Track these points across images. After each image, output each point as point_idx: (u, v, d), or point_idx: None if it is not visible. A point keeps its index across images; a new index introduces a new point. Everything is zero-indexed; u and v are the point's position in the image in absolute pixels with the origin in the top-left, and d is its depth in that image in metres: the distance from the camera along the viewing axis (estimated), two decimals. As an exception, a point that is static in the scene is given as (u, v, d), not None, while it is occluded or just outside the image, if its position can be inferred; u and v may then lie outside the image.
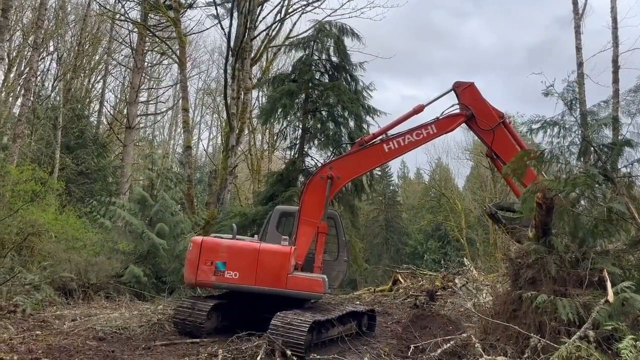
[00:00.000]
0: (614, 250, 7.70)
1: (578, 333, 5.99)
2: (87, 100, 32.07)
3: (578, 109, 8.73)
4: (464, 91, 10.91)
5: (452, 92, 11.02)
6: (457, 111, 10.88)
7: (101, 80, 33.31)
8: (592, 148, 8.22)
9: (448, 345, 8.12)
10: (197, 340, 9.15)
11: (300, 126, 17.88)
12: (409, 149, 10.67)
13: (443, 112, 10.87)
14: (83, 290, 12.81)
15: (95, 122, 31.94)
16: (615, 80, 16.73)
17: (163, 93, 38.24)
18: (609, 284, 6.46)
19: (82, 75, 30.95)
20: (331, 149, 17.65)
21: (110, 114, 33.39)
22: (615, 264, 7.05)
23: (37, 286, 11.65)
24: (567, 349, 5.54)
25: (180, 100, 26.20)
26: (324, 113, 17.84)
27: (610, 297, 6.16)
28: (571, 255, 7.39)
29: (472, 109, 10.75)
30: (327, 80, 17.92)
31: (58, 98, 25.76)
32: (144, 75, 28.72)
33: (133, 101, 25.04)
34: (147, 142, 40.06)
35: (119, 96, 36.34)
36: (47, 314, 10.60)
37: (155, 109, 37.80)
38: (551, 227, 7.66)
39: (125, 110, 29.30)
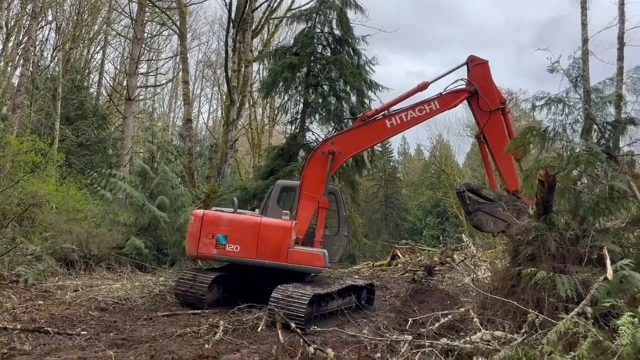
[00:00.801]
0: (614, 228, 7.72)
1: (576, 309, 6.04)
2: (87, 71, 31.78)
3: (582, 87, 8.66)
4: (476, 67, 10.80)
5: (462, 67, 10.91)
6: (462, 87, 10.79)
7: (100, 51, 32.99)
8: (595, 126, 8.19)
9: (446, 319, 8.19)
10: (199, 311, 9.28)
11: (302, 100, 17.74)
12: (411, 124, 10.61)
13: (446, 88, 10.78)
14: (84, 261, 12.92)
15: (94, 93, 31.71)
16: (620, 58, 16.53)
17: (163, 65, 37.90)
18: (608, 262, 6.49)
19: (81, 45, 30.60)
20: (332, 124, 17.54)
21: (110, 85, 33.12)
22: (615, 242, 7.08)
23: (39, 257, 11.74)
24: (564, 325, 5.59)
25: (180, 72, 26.01)
26: (325, 87, 17.69)
27: (609, 274, 6.20)
28: (571, 232, 7.41)
29: (477, 86, 10.65)
30: (329, 54, 17.71)
31: (57, 68, 25.50)
32: (143, 46, 28.39)
33: (133, 73, 24.79)
34: (147, 114, 39.84)
35: (118, 67, 35.99)
36: (49, 284, 10.71)
37: (155, 81, 37.58)
38: (552, 204, 7.67)
39: (124, 82, 29.05)
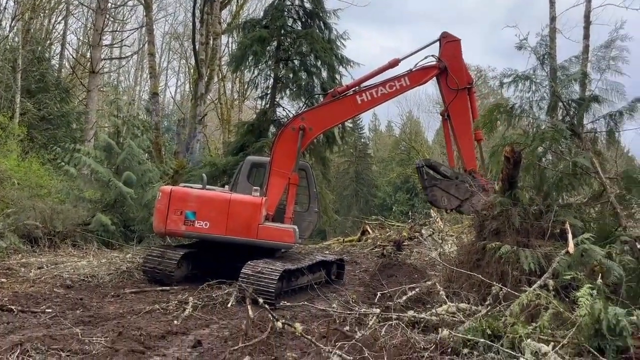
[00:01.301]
0: (576, 203, 7.97)
1: (538, 282, 6.24)
2: (48, 42, 30.49)
3: (549, 64, 8.79)
4: (448, 44, 10.76)
5: (434, 44, 10.88)
6: (432, 64, 10.80)
7: (62, 21, 31.62)
8: (560, 103, 8.34)
9: (413, 292, 8.38)
10: (167, 288, 9.21)
11: (272, 75, 17.50)
12: (382, 101, 10.61)
13: (417, 64, 10.78)
14: (49, 238, 12.61)
15: (57, 65, 30.53)
16: (586, 36, 16.77)
17: (128, 36, 36.54)
18: (570, 236, 6.70)
19: (41, 15, 29.28)
20: (303, 100, 17.41)
21: (73, 57, 31.98)
22: (576, 217, 7.31)
23: (1, 234, 11.40)
24: (527, 297, 5.77)
25: (146, 45, 25.25)
26: (296, 62, 17.48)
27: (571, 248, 6.40)
28: (535, 207, 7.61)
29: (447, 64, 10.66)
30: (300, 28, 17.45)
31: (17, 39, 24.40)
32: (107, 16, 27.37)
33: (96, 44, 23.97)
34: (112, 87, 38.71)
35: (81, 39, 34.72)
36: (12, 262, 10.45)
37: (120, 53, 36.39)
38: (517, 180, 7.84)
39: (88, 54, 28.10)
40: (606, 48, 8.24)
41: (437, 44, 10.91)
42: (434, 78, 10.93)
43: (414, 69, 10.70)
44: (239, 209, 9.50)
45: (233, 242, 9.50)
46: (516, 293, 6.21)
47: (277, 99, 17.53)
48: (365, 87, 10.78)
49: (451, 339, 5.22)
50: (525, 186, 8.04)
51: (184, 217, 9.51)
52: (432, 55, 10.87)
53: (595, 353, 4.69)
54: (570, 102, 8.36)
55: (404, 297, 8.10)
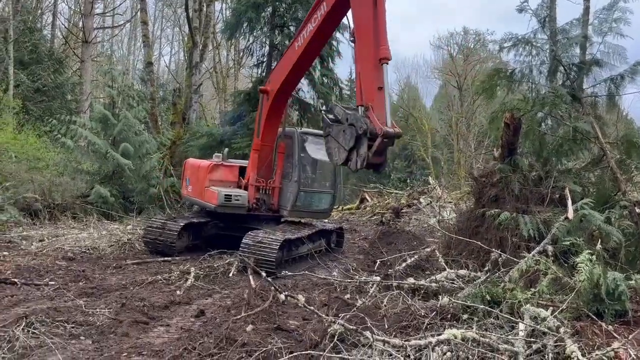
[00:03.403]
0: (575, 168, 7.96)
1: (538, 248, 6.28)
2: (39, 11, 29.91)
3: (550, 28, 8.64)
4: None
5: None
6: None
7: (52, -10, 30.92)
8: (561, 67, 8.24)
9: (412, 259, 8.45)
10: (169, 258, 9.28)
11: (268, 42, 17.21)
12: (315, 38, 8.90)
13: None
14: (48, 211, 12.64)
15: (49, 35, 30.00)
16: (587, -3, 16.47)
17: (120, 4, 35.89)
18: (569, 202, 6.72)
19: (30, -17, 28.60)
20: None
21: (65, 27, 31.38)
22: (576, 182, 7.31)
23: (1, 207, 11.41)
24: (526, 263, 5.82)
25: (139, 12, 24.72)
26: (292, 28, 17.15)
27: (570, 214, 6.42)
28: (535, 174, 7.62)
29: None
30: (295, -7, 17.05)
31: (7, 9, 23.91)
32: (98, -16, 26.77)
33: (88, 13, 23.49)
34: (106, 57, 38.14)
35: (72, 7, 34.01)
36: (13, 235, 10.47)
37: (113, 22, 35.76)
38: (517, 147, 7.81)
39: (80, 23, 27.56)
40: (608, 10, 8.09)
41: None
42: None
43: None
44: (197, 174, 10.55)
45: (197, 204, 10.66)
46: (515, 259, 6.26)
47: (273, 67, 17.28)
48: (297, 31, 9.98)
49: (451, 305, 5.27)
50: (525, 152, 8.02)
51: (186, 183, 10.98)
52: None
53: (594, 317, 4.75)
54: (571, 66, 8.26)
55: (404, 264, 8.18)
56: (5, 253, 8.97)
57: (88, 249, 9.75)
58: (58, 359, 4.60)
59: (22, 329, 5.08)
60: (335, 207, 11.13)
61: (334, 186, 10.99)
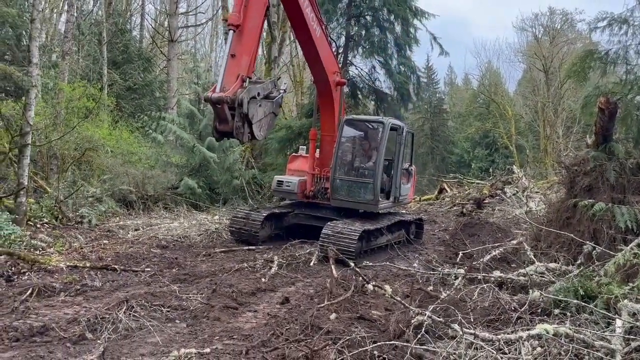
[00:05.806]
0: (679, 155, 7.36)
1: (636, 240, 5.89)
2: (128, 13, 31.75)
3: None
4: None
5: None
6: None
7: (140, -8, 32.69)
8: (663, 46, 7.63)
9: (497, 251, 8.19)
10: (253, 247, 9.63)
11: (344, 33, 17.21)
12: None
13: None
14: (142, 202, 13.49)
15: (137, 36, 31.80)
16: (693, -32, 15.03)
17: (202, 3, 37.40)
18: (672, 191, 6.23)
19: (121, -13, 30.41)
20: (376, 58, 17.05)
21: (152, 27, 33.10)
22: (679, 170, 6.77)
23: (99, 198, 12.32)
24: (624, 256, 5.49)
25: (220, 10, 25.58)
26: (368, 18, 17.07)
27: (674, 204, 5.96)
28: (632, 161, 7.12)
29: None
30: (371, -18, 16.93)
31: (100, 12, 25.60)
32: (182, -16, 27.95)
33: (173, 13, 24.61)
34: (191, 55, 39.82)
35: (158, 8, 35.78)
36: (111, 224, 11.29)
37: (195, 20, 37.19)
38: (612, 133, 7.34)
39: (166, 23, 28.94)
40: None
41: None
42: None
43: None
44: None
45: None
46: (611, 252, 5.92)
47: (350, 58, 17.30)
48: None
49: (541, 300, 5.08)
50: (622, 139, 7.52)
51: None
52: None
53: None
54: (674, 44, 7.61)
55: (488, 257, 7.95)
56: (105, 241, 9.70)
57: (179, 238, 10.33)
58: (157, 340, 4.93)
59: (124, 311, 5.50)
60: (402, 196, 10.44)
61: (374, 175, 9.74)
